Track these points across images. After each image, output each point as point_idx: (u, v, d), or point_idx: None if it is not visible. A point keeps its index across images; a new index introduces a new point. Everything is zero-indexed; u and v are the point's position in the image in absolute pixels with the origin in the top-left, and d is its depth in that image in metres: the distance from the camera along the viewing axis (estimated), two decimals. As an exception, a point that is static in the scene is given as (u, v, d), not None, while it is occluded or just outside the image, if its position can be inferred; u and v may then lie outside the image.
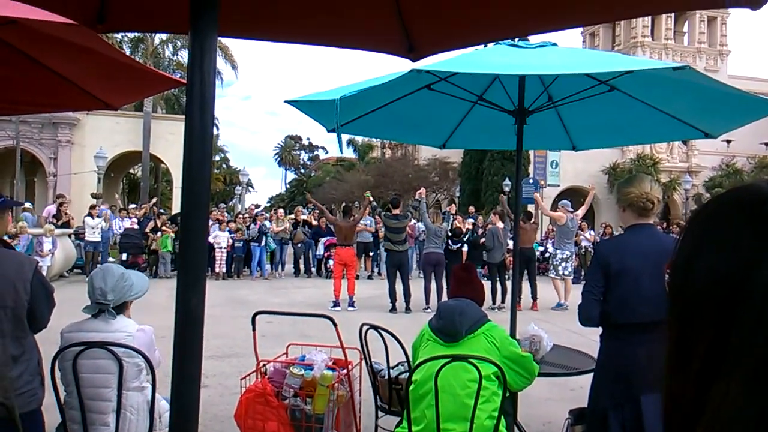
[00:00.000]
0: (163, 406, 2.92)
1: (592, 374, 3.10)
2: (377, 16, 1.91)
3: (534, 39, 3.45)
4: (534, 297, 11.40)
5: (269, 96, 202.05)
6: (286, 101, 3.38)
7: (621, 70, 3.03)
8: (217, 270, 15.05)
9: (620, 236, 3.13)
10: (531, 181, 24.86)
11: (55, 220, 14.58)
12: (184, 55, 31.18)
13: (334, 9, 1.87)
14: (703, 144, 30.20)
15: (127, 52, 26.03)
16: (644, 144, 23.46)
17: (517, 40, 3.29)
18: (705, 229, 0.72)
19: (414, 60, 2.06)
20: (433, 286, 10.95)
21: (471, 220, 15.52)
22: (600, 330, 2.98)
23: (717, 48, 37.08)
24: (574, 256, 11.93)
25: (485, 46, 3.26)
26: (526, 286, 11.52)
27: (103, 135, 24.69)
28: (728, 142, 32.93)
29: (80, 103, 3.78)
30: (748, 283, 0.63)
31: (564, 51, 3.37)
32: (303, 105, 3.49)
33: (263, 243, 15.74)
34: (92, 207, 15.24)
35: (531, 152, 26.84)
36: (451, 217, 14.50)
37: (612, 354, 2.89)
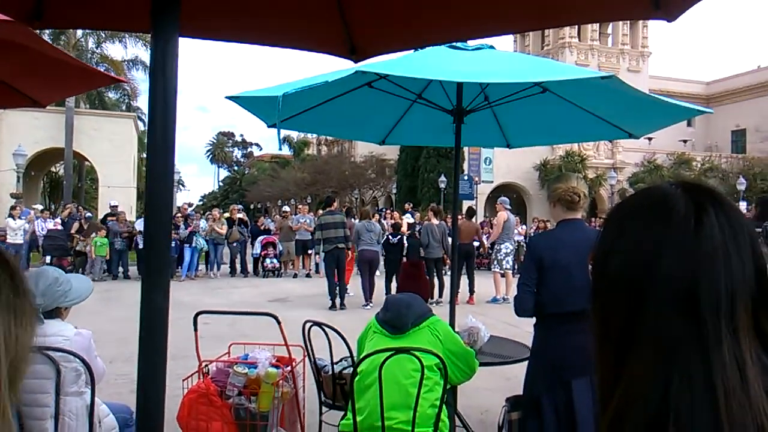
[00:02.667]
0: (103, 410, 2.86)
1: (526, 363, 3.25)
2: (321, 19, 1.95)
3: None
4: (471, 291, 11.69)
5: (198, 91, 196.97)
6: (227, 97, 3.36)
7: (553, 79, 3.18)
8: (149, 271, 14.63)
9: (552, 231, 3.31)
10: (466, 177, 25.36)
11: (-29, 222, 13.79)
12: (108, 48, 30.04)
13: (277, 10, 1.90)
14: (627, 142, 31.64)
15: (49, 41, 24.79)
16: (574, 142, 24.35)
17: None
18: (620, 224, 0.82)
19: (356, 61, 2.11)
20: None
21: (408, 217, 15.72)
22: (534, 320, 3.14)
23: (639, 49, 38.99)
24: (515, 250, 12.36)
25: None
26: (463, 281, 11.81)
27: (22, 131, 23.45)
28: (650, 140, 34.67)
29: (6, 100, 3.62)
30: (652, 271, 0.74)
31: (499, 55, 3.51)
32: (244, 101, 3.49)
33: (193, 243, 15.40)
34: (13, 208, 14.48)
35: (465, 149, 27.36)
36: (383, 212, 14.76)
37: (545, 342, 3.05)
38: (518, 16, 1.87)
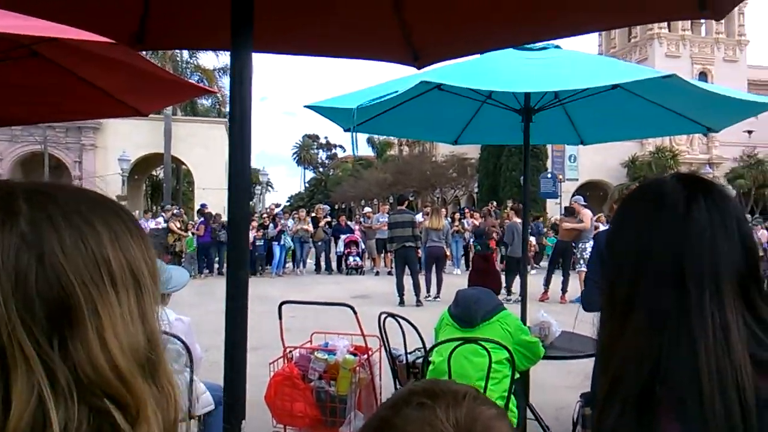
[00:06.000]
0: (200, 388, 3.17)
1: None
2: (384, 30, 2.12)
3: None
4: (564, 290, 11.56)
5: (285, 96, 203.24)
6: (305, 106, 3.62)
7: (615, 83, 3.21)
8: (240, 268, 15.33)
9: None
10: (549, 175, 24.84)
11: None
12: (200, 58, 31.63)
13: (344, 24, 2.10)
14: (724, 135, 29.80)
15: (146, 54, 26.46)
16: (649, 137, 23.25)
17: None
18: (624, 211, 0.97)
19: (419, 67, 2.27)
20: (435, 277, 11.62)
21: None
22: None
23: (735, 38, 36.59)
24: None
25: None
26: (558, 278, 11.77)
27: (125, 138, 25.23)
28: (749, 132, 32.51)
29: (113, 111, 4.03)
30: (648, 249, 0.87)
31: (564, 56, 3.55)
32: (321, 110, 3.73)
33: (282, 241, 16.05)
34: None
35: (549, 147, 26.80)
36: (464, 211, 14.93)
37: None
38: (570, 20, 1.97)
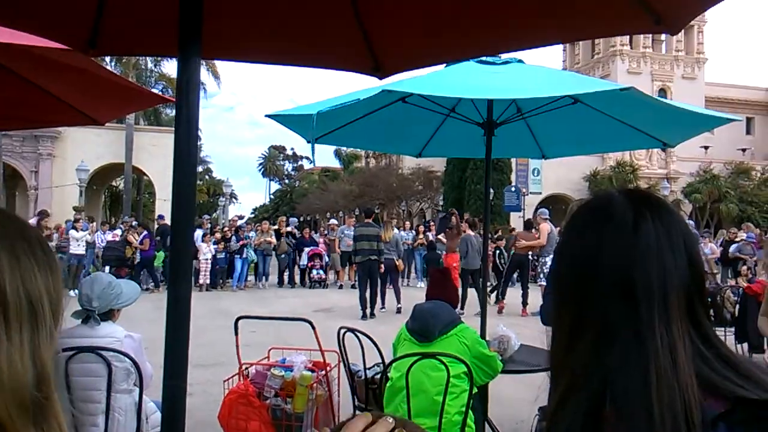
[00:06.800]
0: (150, 407, 3.06)
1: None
2: (345, 39, 2.09)
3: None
4: (524, 303, 11.63)
5: (252, 107, 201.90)
6: (266, 115, 3.57)
7: (575, 93, 3.25)
8: (200, 281, 15.08)
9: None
10: (513, 189, 25.14)
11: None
12: (165, 66, 31.22)
13: (304, 33, 2.06)
14: (681, 150, 30.69)
15: (110, 63, 26.00)
16: (608, 152, 23.80)
17: (482, 56, 3.49)
18: (570, 226, 0.94)
19: (380, 78, 2.25)
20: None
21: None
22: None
23: (694, 56, 37.77)
24: None
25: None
26: (516, 290, 11.87)
27: (84, 147, 24.62)
28: (706, 148, 33.55)
29: (69, 119, 3.91)
30: (596, 264, 0.85)
31: (527, 69, 3.59)
32: (283, 119, 3.68)
33: (244, 254, 15.83)
34: (76, 220, 15.27)
35: (513, 160, 27.12)
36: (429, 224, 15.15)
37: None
38: (528, 32, 1.98)
